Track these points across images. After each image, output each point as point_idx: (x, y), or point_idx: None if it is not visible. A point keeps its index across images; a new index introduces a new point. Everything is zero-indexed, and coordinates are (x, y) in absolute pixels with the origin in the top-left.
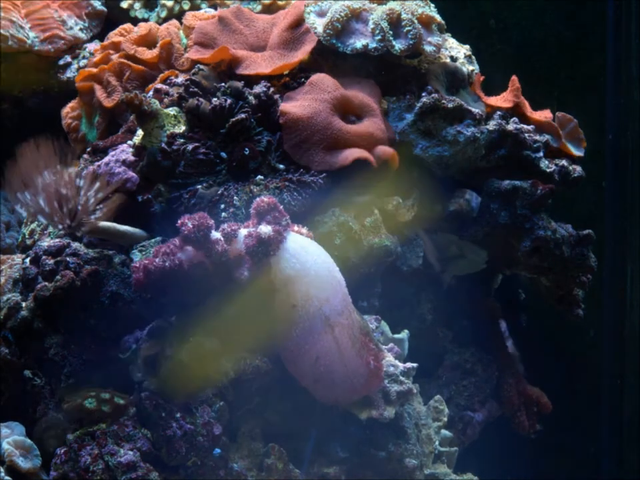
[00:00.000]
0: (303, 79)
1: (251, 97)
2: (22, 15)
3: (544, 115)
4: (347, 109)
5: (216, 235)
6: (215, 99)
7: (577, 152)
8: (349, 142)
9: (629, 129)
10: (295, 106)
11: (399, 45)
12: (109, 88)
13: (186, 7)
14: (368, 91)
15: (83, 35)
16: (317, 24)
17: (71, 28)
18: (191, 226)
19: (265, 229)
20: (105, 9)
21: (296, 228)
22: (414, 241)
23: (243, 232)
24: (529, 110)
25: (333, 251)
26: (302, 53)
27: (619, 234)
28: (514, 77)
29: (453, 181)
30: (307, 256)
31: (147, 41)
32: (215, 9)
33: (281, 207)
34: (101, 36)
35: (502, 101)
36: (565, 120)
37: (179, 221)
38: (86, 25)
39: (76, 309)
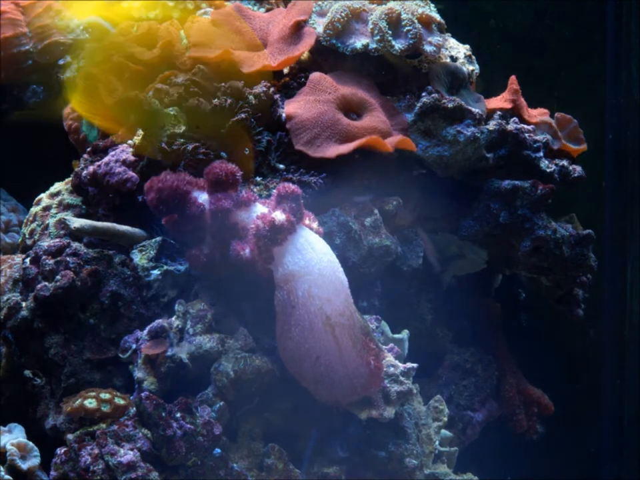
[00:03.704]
0: (303, 79)
1: (250, 97)
2: (25, 22)
3: (541, 112)
4: (348, 107)
5: (232, 194)
6: (215, 99)
7: (577, 147)
8: (358, 136)
9: (629, 128)
10: (299, 108)
11: (398, 45)
12: (110, 88)
13: (188, 5)
14: (366, 88)
15: (87, 37)
16: (317, 24)
17: (73, 31)
18: (220, 167)
19: (280, 216)
20: None
21: (307, 221)
22: (414, 241)
23: (258, 209)
24: (526, 114)
25: (333, 250)
26: (304, 47)
27: (618, 234)
28: (513, 77)
29: (453, 181)
30: (313, 253)
31: (147, 40)
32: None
33: (302, 200)
34: None
35: (501, 102)
36: (564, 120)
37: None
38: None
39: (76, 309)
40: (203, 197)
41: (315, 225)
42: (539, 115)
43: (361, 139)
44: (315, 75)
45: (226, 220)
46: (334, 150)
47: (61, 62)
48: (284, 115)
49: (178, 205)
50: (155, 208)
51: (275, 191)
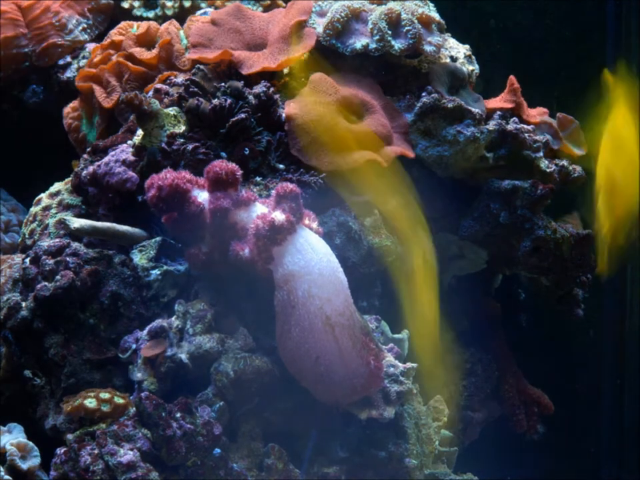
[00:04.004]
0: (302, 79)
1: (250, 97)
2: (24, 24)
3: (540, 112)
4: (349, 109)
5: (232, 193)
6: (215, 99)
7: (578, 152)
8: (356, 141)
9: None
10: (298, 110)
11: (398, 45)
12: (109, 88)
13: (187, 4)
14: (367, 89)
15: (85, 37)
16: (317, 24)
17: (71, 31)
18: (220, 166)
19: (280, 216)
20: (110, 2)
21: (307, 221)
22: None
23: (258, 209)
24: (526, 113)
25: (333, 250)
26: (304, 47)
27: None
28: (512, 77)
29: (453, 181)
30: (313, 253)
31: (147, 40)
32: (216, 9)
33: (301, 200)
34: (106, 33)
35: (501, 102)
36: (565, 121)
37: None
38: (89, 22)
39: (76, 309)
40: (202, 196)
41: (314, 224)
42: (538, 114)
43: (357, 159)
44: (316, 76)
45: (225, 219)
46: (327, 161)
47: (60, 62)
48: (284, 115)
49: (177, 203)
50: (154, 206)
51: (274, 190)
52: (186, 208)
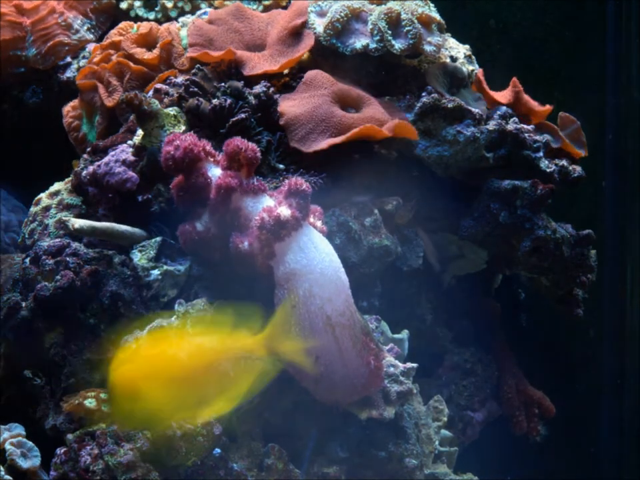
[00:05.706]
0: (302, 79)
1: (250, 97)
2: (29, 24)
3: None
4: (345, 102)
5: (244, 175)
6: (215, 99)
7: (577, 150)
8: (354, 127)
9: (629, 128)
10: (293, 105)
11: (398, 45)
12: (110, 87)
13: (187, 7)
14: (362, 89)
15: (91, 36)
16: (317, 24)
17: (77, 31)
18: (241, 142)
19: (286, 212)
20: (112, 1)
21: (311, 219)
22: (414, 241)
23: (266, 201)
24: (531, 105)
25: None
26: (304, 48)
27: (618, 234)
28: (514, 79)
29: (453, 180)
30: (315, 252)
31: (148, 40)
32: (216, 9)
33: (309, 199)
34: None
35: (504, 97)
36: (567, 120)
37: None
38: (93, 22)
39: (76, 309)
40: (214, 171)
41: (319, 223)
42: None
43: (355, 129)
44: (311, 73)
45: (229, 200)
46: (327, 142)
47: (60, 62)
48: None
49: (186, 168)
50: (165, 162)
51: (285, 183)
52: (193, 177)
